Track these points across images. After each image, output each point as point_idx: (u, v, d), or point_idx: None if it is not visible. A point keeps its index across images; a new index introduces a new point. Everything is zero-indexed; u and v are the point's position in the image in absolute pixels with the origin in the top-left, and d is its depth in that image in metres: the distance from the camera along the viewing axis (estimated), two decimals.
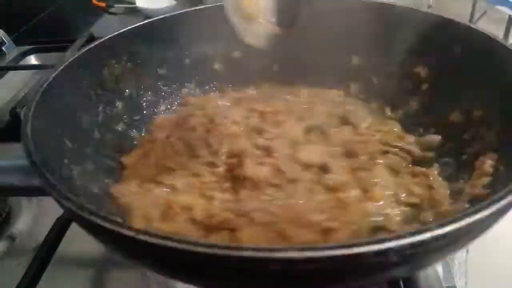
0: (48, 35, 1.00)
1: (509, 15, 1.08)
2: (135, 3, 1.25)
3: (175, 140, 0.53)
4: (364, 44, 0.59)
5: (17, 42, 0.95)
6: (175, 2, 1.27)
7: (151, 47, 0.59)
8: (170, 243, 0.24)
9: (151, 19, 0.59)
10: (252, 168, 0.47)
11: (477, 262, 0.47)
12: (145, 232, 0.24)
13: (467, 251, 0.47)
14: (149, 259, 0.28)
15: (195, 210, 0.43)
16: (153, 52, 0.60)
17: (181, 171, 0.48)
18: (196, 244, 0.23)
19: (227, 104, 0.62)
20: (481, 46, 0.47)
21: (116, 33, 0.55)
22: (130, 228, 0.25)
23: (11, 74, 0.84)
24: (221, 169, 0.48)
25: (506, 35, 1.08)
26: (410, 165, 0.50)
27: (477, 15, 1.32)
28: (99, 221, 0.26)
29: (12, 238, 0.53)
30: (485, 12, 1.29)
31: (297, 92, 0.64)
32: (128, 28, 0.56)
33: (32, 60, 0.93)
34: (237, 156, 0.49)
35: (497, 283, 0.47)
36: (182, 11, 0.61)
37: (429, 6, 1.48)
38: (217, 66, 0.66)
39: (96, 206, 0.40)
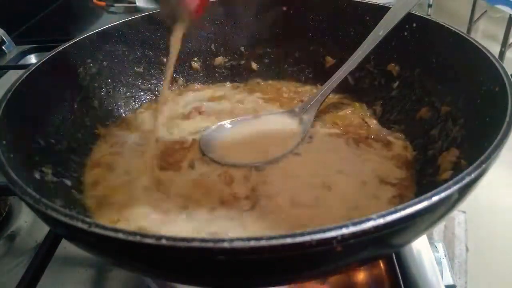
0: (48, 35, 1.00)
1: (509, 15, 1.09)
2: (135, 3, 1.25)
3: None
4: (336, 45, 0.60)
5: (17, 41, 0.95)
6: None
7: (128, 45, 0.60)
8: (121, 236, 0.25)
9: (127, 19, 0.59)
10: None
11: (477, 262, 0.47)
12: (97, 225, 0.25)
13: (467, 250, 0.47)
14: (104, 252, 0.28)
15: None
16: (130, 51, 0.60)
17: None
18: (144, 236, 0.24)
19: (204, 100, 0.63)
20: (452, 43, 0.48)
21: (91, 32, 0.56)
22: (83, 221, 0.26)
23: (11, 73, 0.83)
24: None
25: (506, 35, 1.09)
26: None
27: (477, 15, 1.32)
28: (54, 215, 0.27)
29: (12, 238, 0.53)
30: (485, 12, 1.29)
31: (278, 88, 0.65)
32: (104, 27, 0.57)
33: (32, 59, 0.93)
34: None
35: (497, 283, 0.47)
36: (157, 10, 0.62)
37: (429, 6, 1.49)
38: (195, 64, 0.66)
39: (69, 205, 0.41)
